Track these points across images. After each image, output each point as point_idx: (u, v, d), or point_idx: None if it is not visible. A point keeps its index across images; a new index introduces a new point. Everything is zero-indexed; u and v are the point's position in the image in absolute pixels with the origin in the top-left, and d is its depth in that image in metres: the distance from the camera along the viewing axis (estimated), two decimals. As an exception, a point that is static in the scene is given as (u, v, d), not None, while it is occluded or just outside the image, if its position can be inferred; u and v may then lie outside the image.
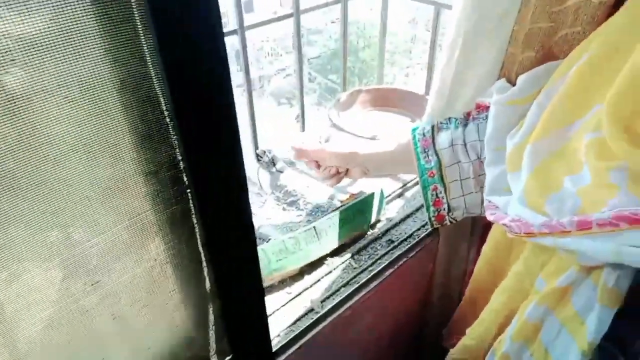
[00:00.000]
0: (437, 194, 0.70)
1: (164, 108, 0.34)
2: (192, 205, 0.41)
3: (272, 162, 1.01)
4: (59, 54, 0.28)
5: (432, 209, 0.71)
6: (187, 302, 0.47)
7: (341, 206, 0.79)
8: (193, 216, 0.42)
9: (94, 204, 0.35)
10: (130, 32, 0.30)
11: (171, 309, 0.46)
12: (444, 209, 0.71)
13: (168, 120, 0.35)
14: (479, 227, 0.81)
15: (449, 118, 0.70)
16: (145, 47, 0.31)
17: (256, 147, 1.05)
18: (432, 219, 0.72)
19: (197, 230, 0.43)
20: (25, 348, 0.37)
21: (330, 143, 0.77)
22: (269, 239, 0.79)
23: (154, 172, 0.37)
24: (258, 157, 1.04)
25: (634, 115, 0.41)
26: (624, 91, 0.42)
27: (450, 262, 0.84)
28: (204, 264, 0.46)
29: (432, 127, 0.70)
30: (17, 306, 0.35)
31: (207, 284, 0.47)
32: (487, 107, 0.67)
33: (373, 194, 0.80)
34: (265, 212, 0.92)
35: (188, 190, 0.40)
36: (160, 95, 0.34)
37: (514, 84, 0.61)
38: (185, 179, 0.39)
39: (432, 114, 0.72)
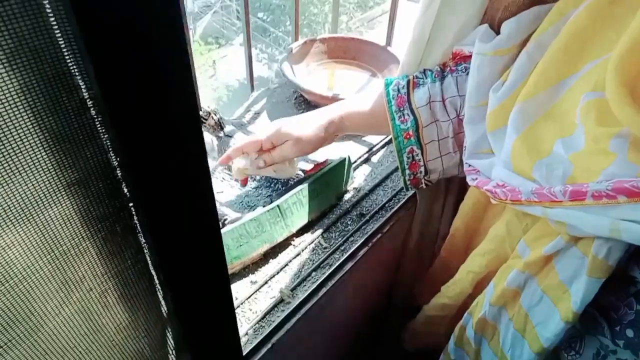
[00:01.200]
0: (413, 157, 0.63)
1: (86, 95, 0.22)
2: (136, 220, 0.30)
3: (220, 125, 0.88)
4: None
5: (407, 172, 0.65)
6: (139, 333, 0.37)
7: (307, 178, 0.70)
8: (139, 234, 0.31)
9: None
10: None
11: (119, 343, 0.36)
12: (421, 172, 0.65)
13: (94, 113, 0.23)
14: (454, 186, 0.76)
15: (425, 71, 0.62)
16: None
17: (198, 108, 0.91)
18: (408, 182, 0.66)
19: (145, 250, 0.32)
20: None
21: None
22: (225, 218, 0.69)
23: (79, 182, 0.26)
24: (202, 120, 0.91)
25: None
26: (633, 49, 0.36)
27: (425, 224, 0.79)
28: (158, 286, 0.35)
29: (408, 82, 0.62)
30: None
31: (163, 308, 0.37)
32: (465, 57, 0.60)
33: (344, 160, 0.72)
34: (214, 186, 0.81)
35: (130, 204, 0.28)
36: (79, 76, 0.21)
37: (497, 31, 0.54)
38: (124, 190, 0.27)
39: (408, 65, 0.64)
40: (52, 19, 0.19)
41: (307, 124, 0.64)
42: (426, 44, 0.59)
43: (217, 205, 0.75)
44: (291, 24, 0.97)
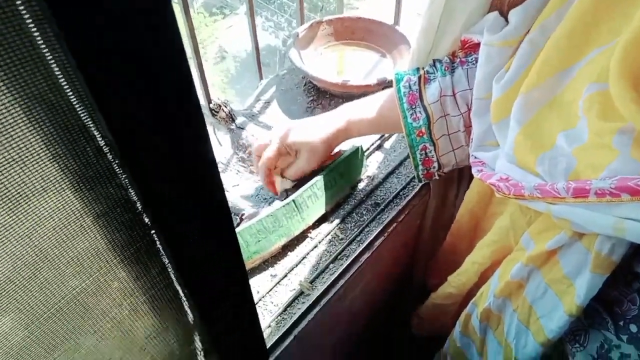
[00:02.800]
0: (426, 153, 0.63)
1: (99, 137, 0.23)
2: (158, 244, 0.31)
3: (231, 118, 0.89)
4: None
5: (420, 167, 0.65)
6: (169, 340, 0.39)
7: (321, 170, 0.70)
8: (162, 256, 0.32)
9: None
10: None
11: (151, 351, 0.38)
12: (434, 167, 0.65)
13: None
14: (467, 173, 0.76)
15: (435, 64, 0.61)
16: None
17: (209, 101, 0.91)
18: (421, 176, 0.66)
19: (169, 268, 0.33)
20: None
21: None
22: (242, 214, 0.70)
23: (104, 215, 0.27)
24: (213, 112, 0.91)
25: None
26: (637, 40, 0.34)
27: (439, 212, 0.80)
28: (183, 297, 0.37)
29: (419, 78, 0.61)
30: None
31: (190, 316, 0.39)
32: (475, 46, 0.59)
33: (358, 149, 0.72)
34: (229, 178, 0.82)
35: (152, 231, 0.30)
36: (93, 127, 0.22)
37: (507, 18, 0.53)
38: (145, 219, 0.29)
39: (419, 54, 0.62)
40: (62, 79, 0.20)
41: (316, 133, 0.65)
42: (436, 32, 0.58)
43: (233, 199, 0.77)
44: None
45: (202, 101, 0.91)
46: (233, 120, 0.88)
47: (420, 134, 0.61)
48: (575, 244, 0.42)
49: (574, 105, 0.40)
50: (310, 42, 0.98)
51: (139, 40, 0.20)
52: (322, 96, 0.92)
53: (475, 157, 0.54)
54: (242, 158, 0.86)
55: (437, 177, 0.66)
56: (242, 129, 0.88)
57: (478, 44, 0.55)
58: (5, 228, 0.22)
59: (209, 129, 0.90)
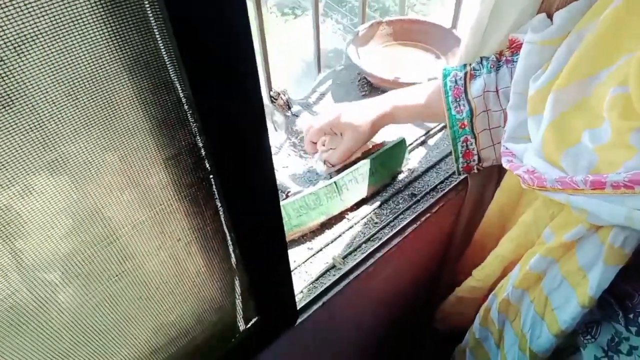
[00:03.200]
0: (467, 145, 0.66)
1: (181, 93, 0.30)
2: (214, 189, 0.38)
3: (288, 105, 0.96)
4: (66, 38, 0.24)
5: (461, 160, 0.68)
6: (214, 278, 0.46)
7: (364, 157, 0.75)
8: (217, 200, 0.39)
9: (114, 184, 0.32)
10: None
11: (198, 284, 0.46)
12: (474, 160, 0.68)
13: (186, 106, 0.31)
14: (505, 171, 0.78)
15: (481, 61, 0.64)
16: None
17: (270, 88, 0.99)
18: (461, 169, 0.70)
19: (221, 212, 0.40)
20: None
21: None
22: (288, 191, 0.77)
23: (174, 157, 0.34)
24: (272, 99, 0.99)
25: None
26: None
27: (475, 207, 0.82)
28: (229, 242, 0.44)
29: (465, 75, 0.64)
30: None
31: (233, 259, 0.46)
32: (522, 46, 0.61)
33: (401, 142, 0.76)
34: (280, 160, 0.89)
35: (210, 176, 0.37)
36: (175, 79, 0.29)
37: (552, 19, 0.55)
38: (207, 165, 0.36)
39: (467, 52, 0.66)
40: (160, 42, 0.27)
41: (362, 115, 0.69)
42: (484, 32, 0.61)
43: (282, 178, 0.84)
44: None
45: (264, 88, 1.00)
46: (289, 108, 0.96)
47: (463, 126, 0.65)
48: (592, 236, 0.45)
49: (600, 107, 0.42)
50: (369, 41, 1.03)
51: (219, 27, 0.27)
52: (375, 92, 0.96)
53: (507, 148, 0.57)
54: (294, 143, 0.93)
55: (475, 171, 0.69)
56: (297, 116, 0.95)
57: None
58: (96, 159, 0.30)
59: (268, 115, 0.98)
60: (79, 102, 0.26)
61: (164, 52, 0.27)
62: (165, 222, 0.37)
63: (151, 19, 0.25)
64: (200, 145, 0.34)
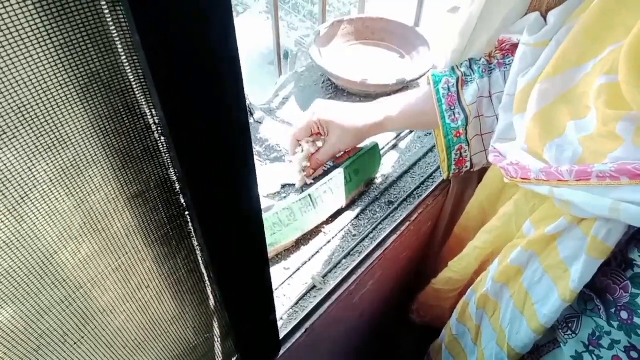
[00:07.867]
0: (461, 153, 0.64)
1: (152, 117, 0.24)
2: (190, 227, 0.32)
3: (249, 112, 0.90)
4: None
5: (453, 167, 0.66)
6: (189, 322, 0.40)
7: (337, 166, 0.71)
8: (193, 238, 0.33)
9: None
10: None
11: (173, 331, 0.39)
12: (466, 167, 0.66)
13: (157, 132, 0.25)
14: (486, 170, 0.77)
15: (471, 65, 0.62)
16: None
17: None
18: (451, 175, 0.67)
19: (198, 251, 0.34)
20: None
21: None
22: (257, 206, 0.71)
23: (141, 195, 0.28)
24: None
25: None
26: None
27: (457, 207, 0.80)
28: (207, 282, 0.38)
29: (457, 80, 0.62)
30: None
31: (212, 300, 0.40)
32: (513, 47, 0.59)
33: (375, 147, 0.72)
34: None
35: (186, 212, 0.30)
36: (143, 101, 0.23)
37: (546, 18, 0.53)
38: (182, 200, 0.29)
39: (453, 55, 0.63)
40: (123, 56, 0.21)
41: (353, 121, 0.65)
42: (472, 32, 0.59)
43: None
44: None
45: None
46: (251, 114, 0.89)
47: (458, 135, 0.62)
48: (574, 229, 0.44)
49: (586, 98, 0.41)
50: (331, 41, 0.99)
51: (200, 35, 0.21)
52: (340, 94, 0.92)
53: (495, 148, 0.56)
54: (258, 152, 0.86)
55: (462, 173, 0.68)
56: (260, 123, 0.88)
57: (516, 45, 0.56)
58: (45, 208, 0.23)
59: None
60: (17, 138, 0.20)
61: (129, 69, 0.21)
62: (132, 271, 0.31)
63: (111, 26, 0.19)
64: (174, 178, 0.28)
